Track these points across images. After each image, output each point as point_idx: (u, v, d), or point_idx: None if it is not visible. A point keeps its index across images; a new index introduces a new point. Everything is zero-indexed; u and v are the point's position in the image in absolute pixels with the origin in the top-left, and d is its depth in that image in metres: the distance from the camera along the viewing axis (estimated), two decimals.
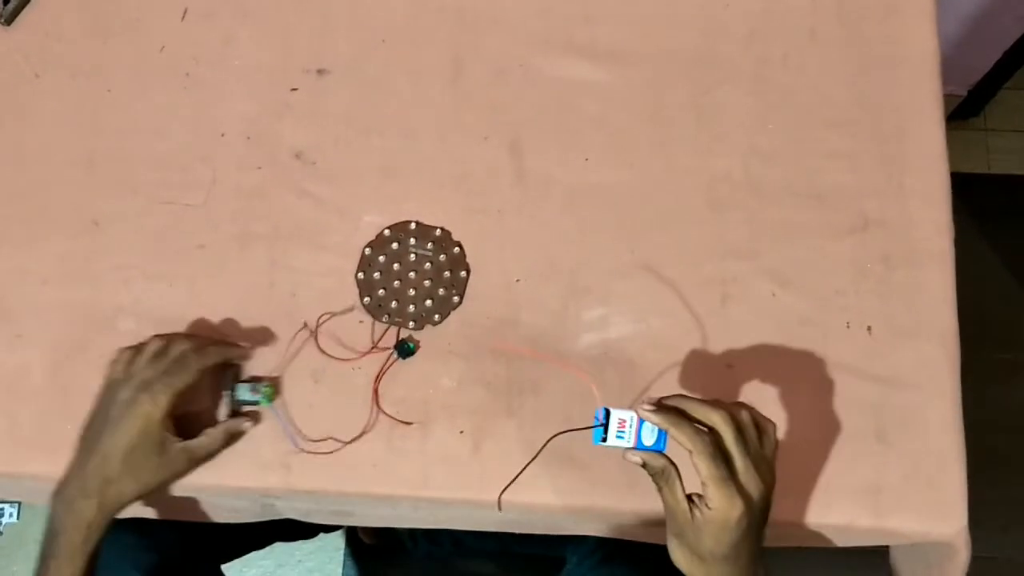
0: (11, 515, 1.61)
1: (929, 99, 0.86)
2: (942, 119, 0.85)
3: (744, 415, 0.64)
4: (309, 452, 0.77)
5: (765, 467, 0.63)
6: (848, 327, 0.79)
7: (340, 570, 1.52)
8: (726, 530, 0.61)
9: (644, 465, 0.64)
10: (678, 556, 0.65)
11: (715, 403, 0.64)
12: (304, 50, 0.89)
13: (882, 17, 0.88)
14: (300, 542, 1.45)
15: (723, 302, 0.80)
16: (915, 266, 0.80)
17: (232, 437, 0.76)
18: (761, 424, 0.65)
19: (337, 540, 1.52)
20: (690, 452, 0.61)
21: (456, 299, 0.81)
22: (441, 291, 0.81)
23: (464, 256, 0.82)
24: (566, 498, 0.76)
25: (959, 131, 1.79)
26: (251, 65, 0.89)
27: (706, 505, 0.61)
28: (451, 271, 0.81)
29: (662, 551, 0.74)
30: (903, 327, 0.79)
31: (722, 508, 0.61)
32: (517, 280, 0.81)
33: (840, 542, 0.79)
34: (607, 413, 0.64)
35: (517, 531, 0.85)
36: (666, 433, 0.63)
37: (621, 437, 0.64)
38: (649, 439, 0.64)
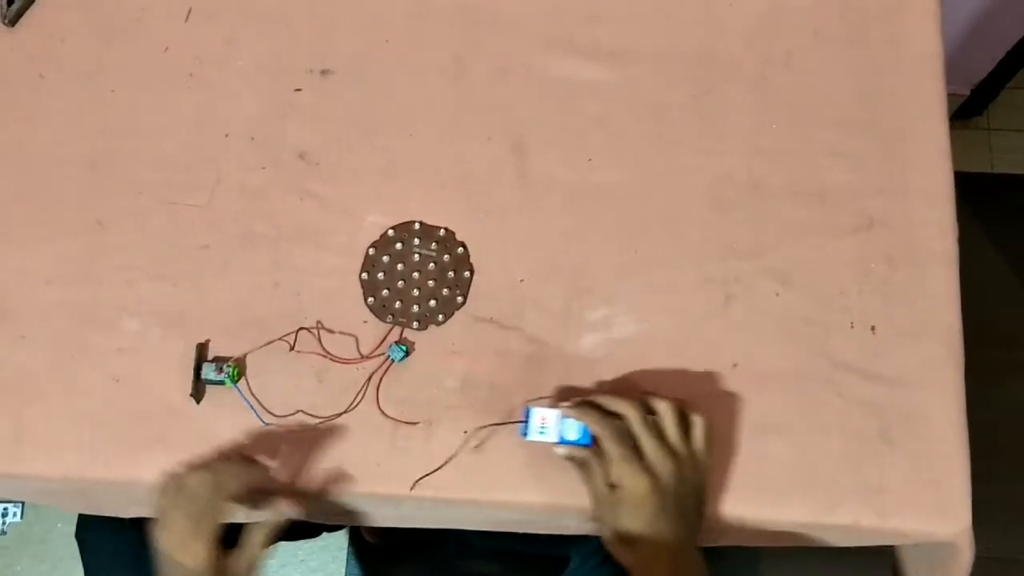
0: (15, 515, 1.61)
1: (933, 98, 0.86)
2: (946, 118, 0.85)
3: (661, 406, 0.70)
4: (278, 428, 0.77)
5: (688, 456, 0.69)
6: (852, 327, 0.79)
7: (343, 569, 1.52)
8: (638, 506, 0.67)
9: (571, 458, 0.71)
10: (607, 540, 0.69)
11: (627, 396, 0.71)
12: (307, 50, 0.89)
13: (886, 16, 0.88)
14: (303, 541, 1.45)
15: (726, 302, 0.80)
16: (919, 266, 0.80)
17: (272, 534, 0.73)
18: (689, 418, 0.71)
19: (340, 539, 1.52)
20: (600, 437, 0.68)
21: (460, 299, 0.81)
22: (445, 291, 0.81)
23: (468, 256, 0.82)
24: (567, 498, 0.75)
25: (962, 131, 1.79)
26: (254, 65, 0.89)
27: (619, 486, 0.67)
28: (455, 271, 0.81)
29: None
30: (907, 327, 0.79)
31: (629, 485, 0.67)
32: (521, 280, 0.81)
33: (843, 542, 0.79)
34: (528, 412, 0.71)
35: (520, 531, 0.85)
36: (588, 428, 0.70)
37: (543, 433, 0.71)
38: (572, 435, 0.71)
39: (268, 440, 0.77)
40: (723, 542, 0.83)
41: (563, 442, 0.71)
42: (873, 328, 0.79)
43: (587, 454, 0.70)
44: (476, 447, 0.76)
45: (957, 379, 0.78)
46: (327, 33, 0.90)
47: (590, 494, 0.70)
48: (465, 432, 0.77)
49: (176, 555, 0.68)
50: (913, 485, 0.75)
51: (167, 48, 0.90)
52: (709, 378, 0.78)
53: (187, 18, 0.90)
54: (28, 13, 0.91)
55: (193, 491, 0.69)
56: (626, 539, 0.68)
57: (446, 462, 0.76)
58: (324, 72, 0.88)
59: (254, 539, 0.71)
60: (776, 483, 0.75)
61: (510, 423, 0.75)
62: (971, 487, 0.75)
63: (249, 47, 0.89)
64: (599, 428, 0.69)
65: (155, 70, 0.89)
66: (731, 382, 0.78)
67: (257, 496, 0.74)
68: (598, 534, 0.71)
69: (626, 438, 0.69)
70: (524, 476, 0.74)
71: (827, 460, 0.76)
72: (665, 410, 0.70)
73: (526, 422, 0.72)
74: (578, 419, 0.70)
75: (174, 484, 0.71)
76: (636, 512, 0.67)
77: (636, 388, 0.75)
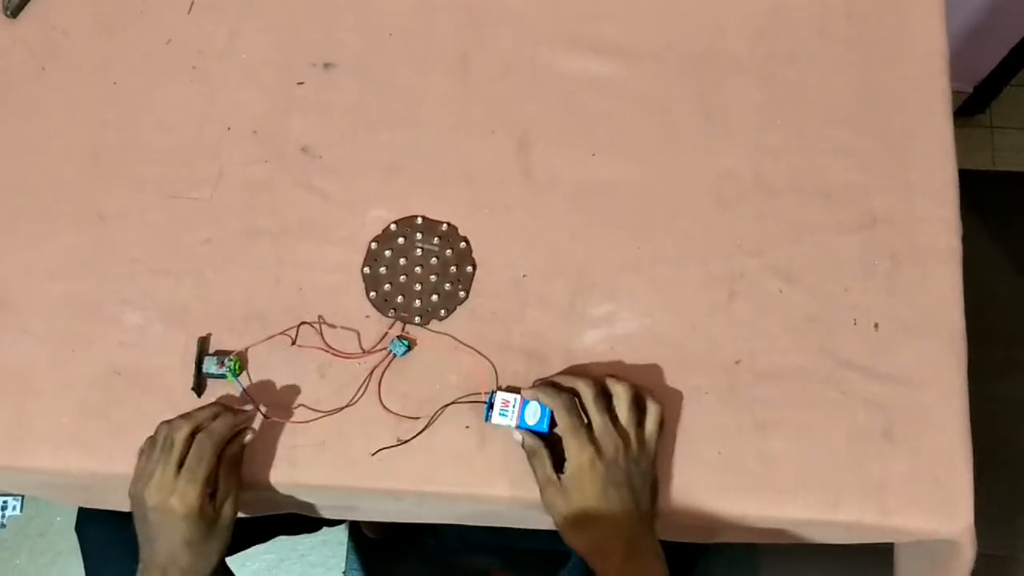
0: (15, 508, 1.61)
1: (937, 96, 0.85)
2: (950, 116, 0.85)
3: (618, 388, 0.72)
4: (277, 420, 0.77)
5: (637, 439, 0.70)
6: (855, 324, 0.79)
7: (343, 564, 1.52)
8: (583, 478, 0.68)
9: (523, 445, 0.72)
10: (559, 527, 0.70)
11: (586, 375, 0.73)
12: (311, 44, 0.89)
13: (890, 14, 0.88)
14: (303, 536, 1.45)
15: (730, 298, 0.80)
16: (922, 263, 0.80)
17: (237, 460, 0.75)
18: (643, 403, 0.73)
19: (340, 534, 1.52)
20: (552, 409, 0.70)
21: (462, 294, 0.80)
22: (447, 286, 0.80)
23: (470, 251, 0.82)
24: None
25: (964, 128, 1.78)
26: (258, 59, 0.89)
27: (566, 461, 0.69)
28: (457, 266, 0.81)
29: (664, 547, 0.74)
30: (910, 324, 0.79)
31: (575, 456, 0.68)
32: (524, 276, 0.81)
33: (846, 539, 0.79)
34: (492, 395, 0.74)
35: (521, 526, 0.85)
36: (549, 415, 0.72)
37: (504, 415, 0.73)
38: (532, 420, 0.73)
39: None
40: (725, 538, 0.83)
41: (522, 426, 0.73)
42: (876, 325, 0.79)
43: (538, 443, 0.71)
44: (479, 443, 0.76)
45: (960, 377, 0.78)
46: (331, 27, 0.89)
47: (539, 482, 0.71)
48: (467, 427, 0.76)
49: (168, 502, 0.69)
50: (915, 483, 0.75)
51: (170, 41, 0.89)
52: (712, 375, 0.78)
53: (190, 10, 0.90)
54: (30, 5, 0.91)
55: (179, 441, 0.71)
56: (578, 522, 0.69)
57: (413, 437, 0.76)
58: (327, 66, 0.88)
59: (225, 476, 0.72)
60: (778, 480, 0.75)
61: (474, 401, 0.76)
62: (973, 485, 0.75)
63: (252, 40, 0.89)
64: (552, 401, 0.71)
65: (158, 63, 0.89)
66: (734, 379, 0.78)
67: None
68: (667, 538, 0.72)
69: (576, 412, 0.71)
70: (524, 472, 0.74)
71: (830, 457, 0.76)
72: (620, 392, 0.72)
73: (491, 405, 0.74)
74: (534, 397, 0.72)
75: (160, 439, 0.72)
76: (582, 486, 0.68)
77: (612, 373, 0.75)
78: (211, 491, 0.71)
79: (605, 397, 0.72)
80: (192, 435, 0.71)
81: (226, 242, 0.83)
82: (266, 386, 0.78)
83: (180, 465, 0.70)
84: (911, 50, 0.87)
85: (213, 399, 0.78)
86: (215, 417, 0.73)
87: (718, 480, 0.75)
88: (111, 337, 0.80)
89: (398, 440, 0.76)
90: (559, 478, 0.70)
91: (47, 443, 0.78)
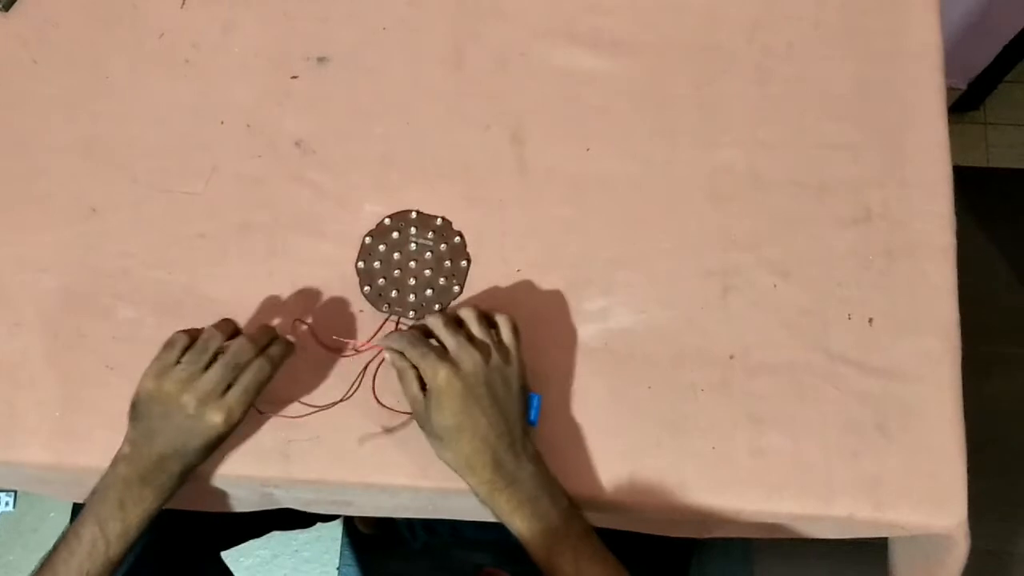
0: (7, 504, 1.60)
1: (932, 92, 0.85)
2: (944, 112, 0.85)
3: (463, 311, 0.73)
4: (275, 415, 0.77)
5: (495, 346, 0.71)
6: (849, 319, 0.79)
7: (337, 560, 1.52)
8: (441, 396, 0.68)
9: (393, 364, 0.72)
10: (433, 447, 0.71)
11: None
12: (304, 38, 0.89)
13: (886, 9, 0.88)
14: (297, 531, 1.45)
15: (724, 293, 0.80)
16: (917, 258, 0.80)
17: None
18: (492, 318, 0.73)
19: (334, 530, 1.52)
20: (403, 349, 0.70)
21: (456, 289, 0.80)
22: (441, 281, 0.80)
23: (465, 246, 0.82)
24: (567, 490, 0.75)
25: (959, 124, 1.79)
26: (251, 52, 0.88)
27: (428, 385, 0.69)
28: (451, 261, 0.81)
29: (658, 542, 0.74)
30: (904, 319, 0.79)
31: (431, 378, 0.68)
32: (518, 270, 0.81)
33: (839, 534, 0.79)
34: None
35: None
36: (538, 403, 0.74)
37: None
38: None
39: None
40: (719, 534, 0.83)
41: None
42: (871, 320, 0.79)
43: (406, 364, 0.71)
44: None
45: (954, 372, 0.78)
46: (324, 21, 0.89)
47: (410, 401, 0.72)
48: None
49: (206, 414, 0.68)
50: (909, 478, 0.75)
51: (163, 34, 0.89)
52: (706, 370, 0.78)
53: (183, 4, 0.90)
54: None
55: (238, 355, 0.70)
56: (443, 438, 0.69)
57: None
58: (321, 60, 0.88)
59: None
60: (772, 475, 0.75)
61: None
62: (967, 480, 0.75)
63: (246, 34, 0.89)
64: (398, 343, 0.71)
65: (151, 56, 0.88)
66: (728, 374, 0.78)
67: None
68: (661, 534, 0.74)
69: (422, 342, 0.71)
70: None
71: (824, 452, 0.76)
72: (467, 314, 0.73)
73: None
74: (388, 346, 0.72)
75: (204, 344, 0.70)
76: (441, 403, 0.68)
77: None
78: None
79: (455, 323, 0.72)
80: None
81: (219, 236, 0.83)
82: None
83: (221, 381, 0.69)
84: (906, 45, 0.87)
85: None
86: (269, 342, 0.72)
87: (712, 475, 0.75)
88: (104, 331, 0.80)
89: (382, 428, 0.76)
90: (424, 397, 0.70)
91: (39, 437, 0.78)
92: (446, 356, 0.69)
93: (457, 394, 0.68)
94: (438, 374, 0.68)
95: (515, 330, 0.73)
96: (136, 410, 0.70)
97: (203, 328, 0.72)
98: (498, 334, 0.73)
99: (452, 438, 0.69)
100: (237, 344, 0.70)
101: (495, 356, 0.71)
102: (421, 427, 0.72)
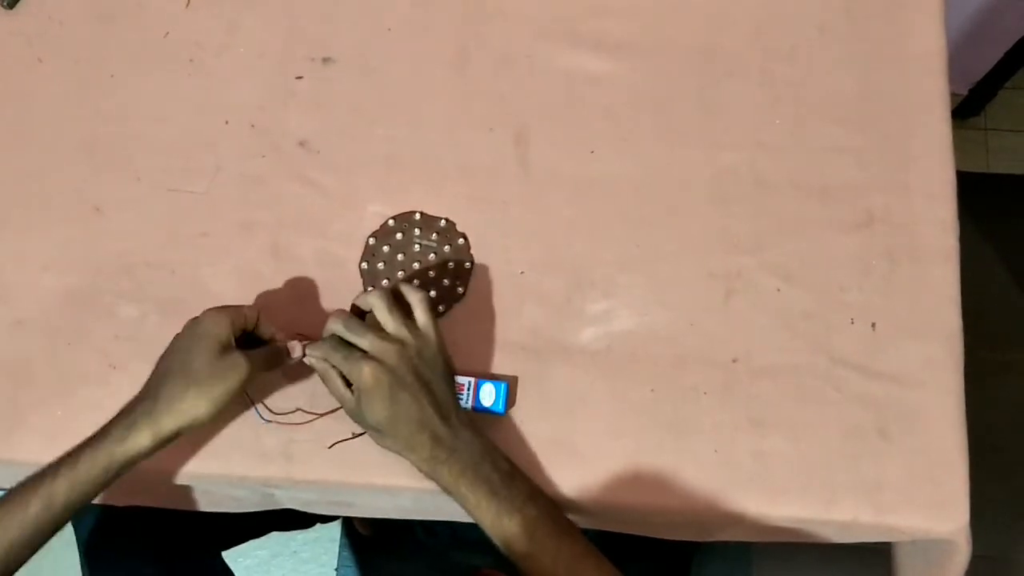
0: None
1: (935, 96, 0.86)
2: (948, 116, 0.85)
3: (370, 298, 0.72)
4: (278, 423, 0.76)
5: (412, 332, 0.71)
6: (852, 323, 0.79)
7: (335, 561, 1.51)
8: (370, 394, 0.68)
9: (314, 366, 0.73)
10: (371, 436, 0.72)
11: (335, 314, 0.73)
12: (309, 38, 0.89)
13: (889, 13, 0.88)
14: (296, 532, 1.45)
15: (727, 296, 0.80)
16: (920, 263, 0.80)
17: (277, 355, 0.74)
18: (404, 299, 0.73)
19: (333, 531, 1.52)
20: (321, 360, 0.71)
21: (460, 290, 0.80)
22: (445, 282, 0.80)
23: (468, 247, 0.82)
24: (569, 492, 0.75)
25: (960, 130, 1.77)
26: (255, 52, 0.88)
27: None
28: (455, 262, 0.81)
29: (659, 545, 0.74)
30: (907, 324, 0.79)
31: (356, 379, 0.69)
32: (521, 272, 0.81)
33: (841, 538, 0.79)
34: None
35: None
36: (504, 391, 0.75)
37: (460, 398, 0.74)
38: (488, 400, 0.75)
39: None
40: (720, 537, 0.83)
41: (479, 408, 0.75)
42: (873, 325, 0.79)
43: (325, 365, 0.71)
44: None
45: (956, 377, 0.78)
46: (329, 21, 0.89)
47: (339, 400, 0.72)
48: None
49: (198, 324, 0.70)
50: (911, 482, 0.75)
51: (167, 33, 0.89)
52: (708, 373, 0.78)
53: (188, 3, 0.90)
54: None
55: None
56: (381, 431, 0.70)
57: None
58: (325, 60, 0.88)
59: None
60: (774, 479, 0.75)
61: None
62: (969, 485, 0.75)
63: (250, 34, 0.89)
64: (320, 351, 0.71)
65: (155, 55, 0.88)
66: (730, 377, 0.78)
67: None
68: (660, 536, 0.74)
69: (339, 346, 0.71)
70: (526, 468, 0.74)
71: (825, 456, 0.76)
72: (373, 301, 0.72)
73: None
74: (311, 355, 0.72)
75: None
76: (371, 400, 0.69)
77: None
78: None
79: (358, 317, 0.73)
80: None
81: (222, 235, 0.83)
82: (261, 383, 0.77)
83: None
84: (909, 49, 0.87)
85: None
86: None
87: (714, 478, 0.75)
88: (106, 329, 0.80)
89: (352, 434, 0.76)
90: (353, 394, 0.70)
91: (41, 436, 0.78)
92: (366, 355, 0.70)
93: (384, 387, 0.68)
94: (363, 372, 0.68)
95: (429, 308, 0.73)
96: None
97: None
98: (412, 318, 0.73)
99: (388, 427, 0.69)
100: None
101: (413, 342, 0.71)
102: (356, 422, 0.73)
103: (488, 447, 0.71)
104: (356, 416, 0.71)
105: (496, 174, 0.84)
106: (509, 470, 0.71)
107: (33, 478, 0.66)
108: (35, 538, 0.66)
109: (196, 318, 0.72)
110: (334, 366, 0.71)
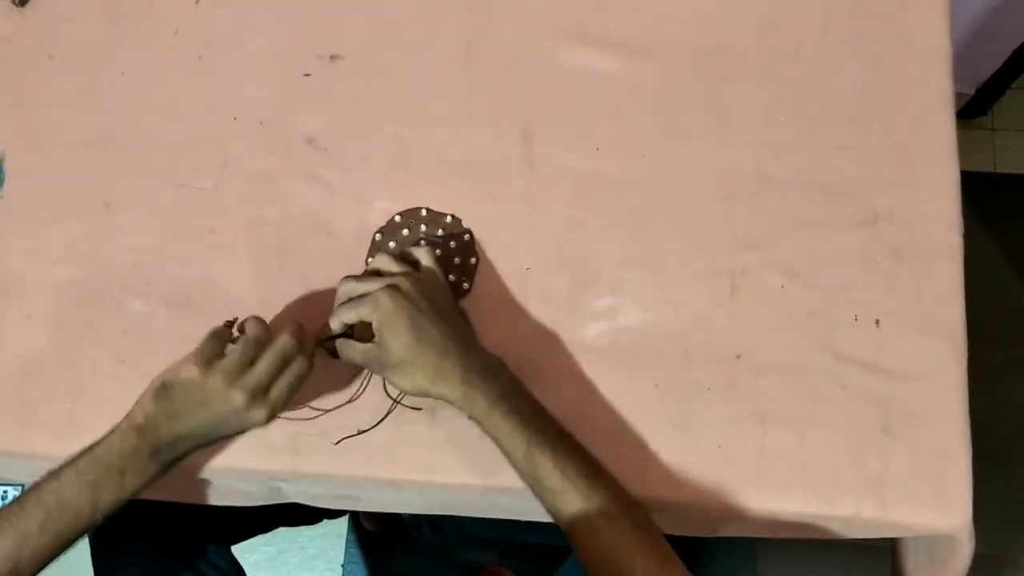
0: (14, 498, 1.61)
1: (940, 94, 0.86)
2: (953, 114, 0.85)
3: (378, 259, 0.77)
4: (286, 419, 0.77)
5: (419, 270, 0.76)
6: (856, 320, 0.79)
7: (342, 556, 1.52)
8: (395, 317, 0.69)
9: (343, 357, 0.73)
10: (399, 381, 0.72)
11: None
12: (317, 36, 0.89)
13: (894, 11, 0.88)
14: (302, 528, 1.46)
15: (732, 293, 0.80)
16: (924, 260, 0.81)
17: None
18: (412, 255, 0.78)
19: (340, 527, 1.53)
20: (337, 314, 0.72)
21: (465, 286, 0.81)
22: (451, 278, 0.81)
23: (474, 243, 0.82)
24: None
25: (966, 130, 1.78)
26: (264, 50, 0.89)
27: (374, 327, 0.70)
28: (461, 258, 0.81)
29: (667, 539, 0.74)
30: (911, 321, 0.79)
31: (376, 309, 0.69)
32: (527, 268, 0.82)
33: (844, 534, 0.80)
34: None
35: (522, 519, 0.85)
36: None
37: None
38: None
39: None
40: (724, 533, 0.83)
41: None
42: (877, 322, 0.79)
43: (339, 340, 0.73)
44: (482, 432, 0.76)
45: (960, 374, 0.78)
46: (337, 19, 0.90)
47: (367, 360, 0.72)
48: (471, 416, 0.77)
49: (250, 410, 0.68)
50: (915, 478, 0.75)
51: (177, 31, 0.90)
52: (713, 369, 0.78)
53: (198, 1, 0.90)
54: None
55: (283, 344, 0.70)
56: (406, 363, 0.70)
57: (376, 424, 0.77)
58: (334, 58, 0.88)
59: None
60: (778, 474, 0.76)
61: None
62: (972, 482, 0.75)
63: (259, 31, 0.89)
64: (339, 313, 0.72)
65: (165, 53, 0.89)
66: (735, 373, 0.78)
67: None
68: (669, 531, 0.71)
69: (354, 297, 0.73)
70: None
71: (829, 452, 0.76)
72: (380, 260, 0.77)
73: None
74: (334, 320, 0.73)
75: (255, 337, 0.70)
76: (393, 325, 0.69)
77: None
78: None
79: (373, 273, 0.76)
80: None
81: (230, 231, 0.83)
82: None
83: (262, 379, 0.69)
84: (914, 47, 0.87)
85: None
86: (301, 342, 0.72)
87: (718, 474, 0.76)
88: (115, 324, 0.81)
89: (358, 430, 0.77)
90: (375, 345, 0.71)
91: (49, 429, 0.79)
92: (375, 293, 0.71)
93: (404, 310, 0.69)
94: (380, 299, 0.69)
95: (433, 256, 0.77)
96: (167, 391, 0.68)
97: (234, 321, 0.73)
98: (418, 266, 0.77)
99: (414, 355, 0.69)
100: (283, 342, 0.70)
101: (420, 277, 0.74)
102: (381, 372, 0.73)
103: (516, 380, 0.72)
104: (381, 361, 0.71)
105: (502, 171, 0.84)
106: (539, 406, 0.71)
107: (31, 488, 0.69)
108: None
109: (244, 407, 0.68)
110: (350, 326, 0.72)
